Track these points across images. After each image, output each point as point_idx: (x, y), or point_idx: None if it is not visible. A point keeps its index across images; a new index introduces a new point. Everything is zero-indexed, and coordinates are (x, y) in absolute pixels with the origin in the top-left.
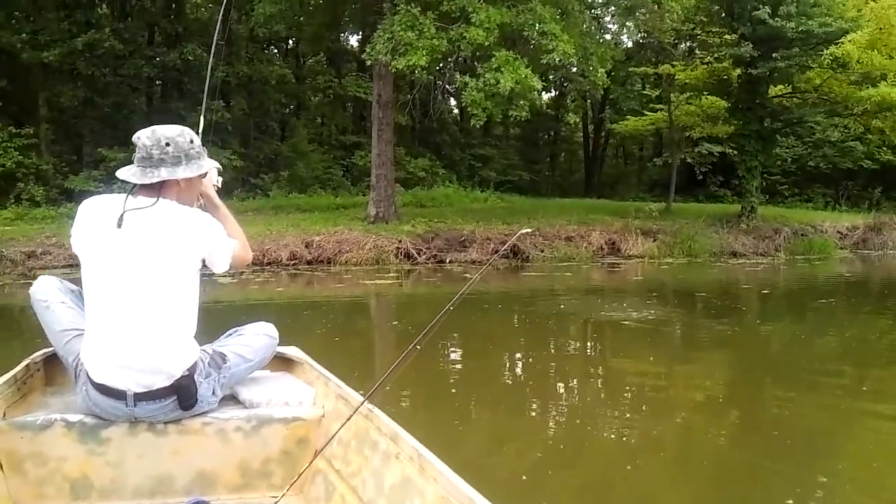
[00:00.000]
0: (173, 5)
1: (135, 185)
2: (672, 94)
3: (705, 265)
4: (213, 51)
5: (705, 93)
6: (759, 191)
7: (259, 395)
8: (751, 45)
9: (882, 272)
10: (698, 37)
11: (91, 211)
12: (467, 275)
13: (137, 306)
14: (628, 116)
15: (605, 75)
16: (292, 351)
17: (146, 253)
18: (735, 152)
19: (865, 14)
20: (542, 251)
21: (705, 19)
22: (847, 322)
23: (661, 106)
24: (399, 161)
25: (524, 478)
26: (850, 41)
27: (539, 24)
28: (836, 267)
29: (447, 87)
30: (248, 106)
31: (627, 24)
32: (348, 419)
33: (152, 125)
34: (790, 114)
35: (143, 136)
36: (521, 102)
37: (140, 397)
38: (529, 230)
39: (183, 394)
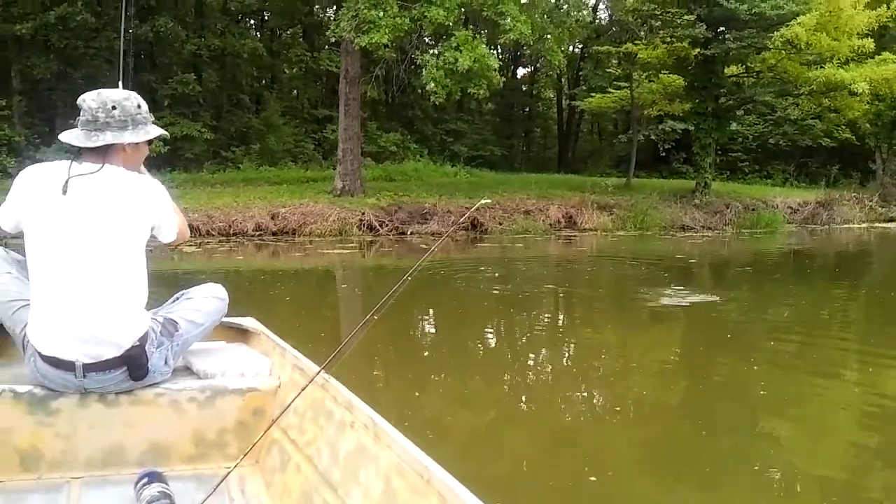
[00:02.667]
0: None
1: (78, 150)
2: (634, 73)
3: (654, 238)
4: (122, 30)
5: (665, 71)
6: (713, 167)
7: (214, 366)
8: (704, 27)
9: (818, 244)
10: (659, 16)
11: (33, 179)
12: (424, 245)
13: (84, 276)
14: (593, 94)
15: (563, 55)
16: (248, 322)
17: (93, 220)
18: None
19: None
20: (501, 224)
21: None
22: (749, 286)
23: (625, 84)
24: (370, 135)
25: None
26: (799, 24)
27: (498, 4)
28: (777, 240)
29: (413, 62)
30: (220, 79)
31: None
32: (304, 388)
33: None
34: (743, 93)
35: (89, 99)
36: (480, 80)
37: (89, 368)
38: (489, 201)
39: (133, 364)
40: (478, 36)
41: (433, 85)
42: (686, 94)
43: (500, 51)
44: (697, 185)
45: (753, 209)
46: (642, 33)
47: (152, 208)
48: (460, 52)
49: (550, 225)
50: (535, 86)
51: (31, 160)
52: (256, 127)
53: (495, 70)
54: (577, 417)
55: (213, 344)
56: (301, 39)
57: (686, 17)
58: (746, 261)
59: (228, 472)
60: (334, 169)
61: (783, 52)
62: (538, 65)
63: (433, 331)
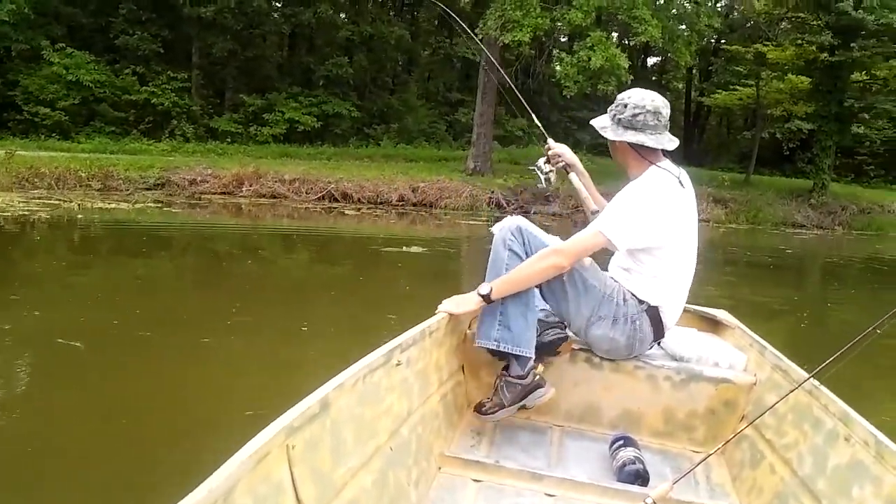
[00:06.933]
0: None
1: (651, 150)
2: (763, 73)
3: (763, 232)
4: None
5: (791, 73)
6: (832, 169)
7: (688, 351)
8: (831, 34)
9: None
10: (792, 20)
11: (665, 190)
12: (547, 224)
13: (693, 260)
14: (720, 91)
15: (690, 56)
16: (721, 314)
17: (695, 214)
18: None
19: None
20: None
21: (800, 3)
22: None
23: (752, 81)
24: (498, 120)
25: None
26: None
27: (633, 9)
28: (880, 242)
29: (548, 55)
30: (368, 61)
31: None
32: (791, 392)
33: (283, 76)
34: (866, 99)
35: (663, 105)
36: (610, 77)
37: None
38: None
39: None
40: (610, 37)
41: (566, 81)
42: (810, 97)
43: (629, 42)
44: (815, 185)
45: (869, 212)
46: (776, 31)
47: None
48: (594, 51)
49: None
50: (664, 76)
51: (204, 127)
52: (396, 107)
53: (625, 69)
54: None
55: (686, 329)
56: (437, 26)
57: (814, 22)
58: (833, 257)
59: (705, 458)
60: (464, 150)
61: None
62: (668, 55)
63: None
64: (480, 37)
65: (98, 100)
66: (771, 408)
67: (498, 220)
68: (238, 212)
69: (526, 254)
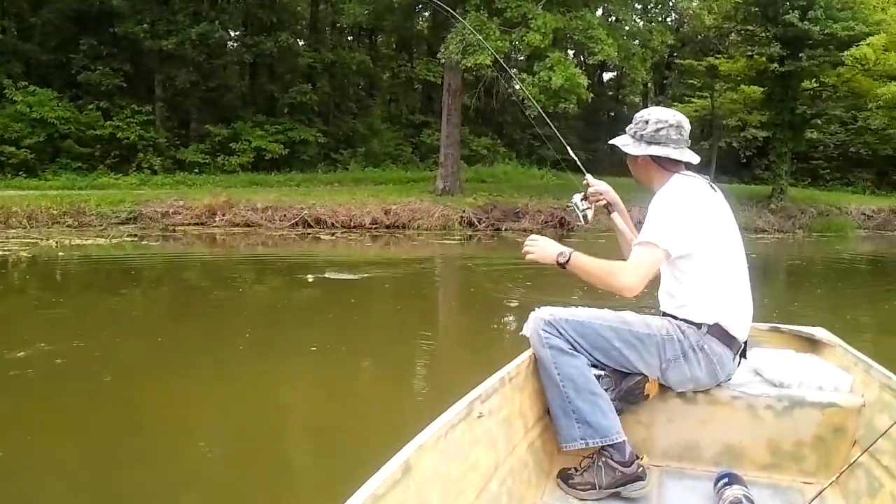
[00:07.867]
0: None
1: (676, 162)
2: (717, 84)
3: None
4: None
5: (744, 84)
6: (789, 174)
7: (788, 375)
8: (779, 46)
9: (873, 248)
10: (741, 32)
11: (697, 195)
12: (519, 240)
13: (744, 264)
14: (675, 103)
15: (646, 71)
16: (819, 332)
17: (732, 218)
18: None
19: (888, 19)
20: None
21: (748, 16)
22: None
23: (706, 94)
24: (463, 140)
25: None
26: (867, 44)
27: (588, 30)
28: (839, 243)
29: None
30: (331, 88)
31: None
32: None
33: (246, 105)
34: (817, 106)
35: (684, 120)
36: (571, 96)
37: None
38: None
39: (743, 351)
40: (568, 57)
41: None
42: (764, 106)
43: (586, 59)
44: (774, 190)
45: (827, 214)
46: (726, 44)
47: None
48: (553, 71)
49: (635, 225)
50: (620, 91)
51: (171, 159)
52: (361, 131)
53: (584, 87)
54: None
55: (782, 352)
56: (396, 50)
57: (763, 34)
58: (794, 258)
59: (820, 492)
60: (431, 171)
61: (856, 68)
62: (623, 70)
63: None
64: (443, 60)
65: (63, 136)
66: (885, 432)
67: (471, 238)
68: (213, 242)
69: (570, 342)
